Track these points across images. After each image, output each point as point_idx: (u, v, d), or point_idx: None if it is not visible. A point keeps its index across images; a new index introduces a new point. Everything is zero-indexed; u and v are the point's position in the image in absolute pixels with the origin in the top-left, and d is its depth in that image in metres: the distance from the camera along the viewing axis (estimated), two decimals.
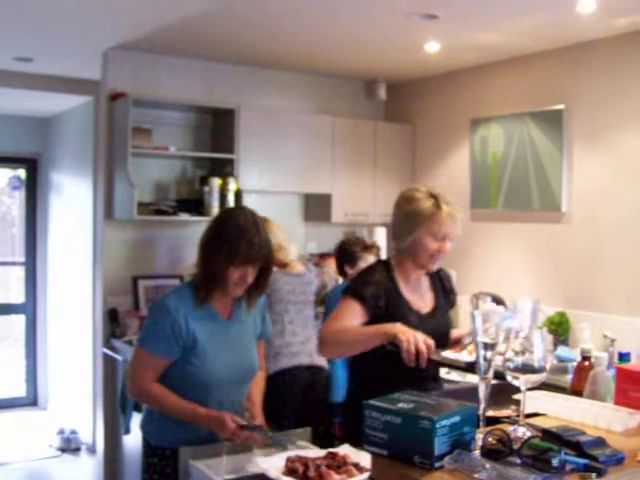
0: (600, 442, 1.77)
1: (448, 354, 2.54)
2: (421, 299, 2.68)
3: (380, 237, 5.20)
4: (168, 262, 4.91)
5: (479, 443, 1.75)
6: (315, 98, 5.53)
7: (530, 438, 1.72)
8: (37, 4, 3.77)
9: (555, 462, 1.62)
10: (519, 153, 4.70)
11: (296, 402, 3.82)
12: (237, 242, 2.28)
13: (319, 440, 2.18)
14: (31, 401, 7.15)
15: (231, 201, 4.72)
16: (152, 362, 2.30)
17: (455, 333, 2.79)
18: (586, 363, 2.50)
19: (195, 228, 4.60)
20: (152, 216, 4.69)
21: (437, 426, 1.67)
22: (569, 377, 3.22)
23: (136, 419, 4.16)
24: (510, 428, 1.87)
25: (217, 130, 5.07)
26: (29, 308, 7.15)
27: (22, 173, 7.13)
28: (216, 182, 4.72)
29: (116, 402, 4.61)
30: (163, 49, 4.73)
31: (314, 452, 1.93)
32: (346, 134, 5.34)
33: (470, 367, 2.19)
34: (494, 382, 1.95)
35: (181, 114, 4.99)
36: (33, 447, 5.96)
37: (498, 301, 4.14)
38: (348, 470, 1.78)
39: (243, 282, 2.33)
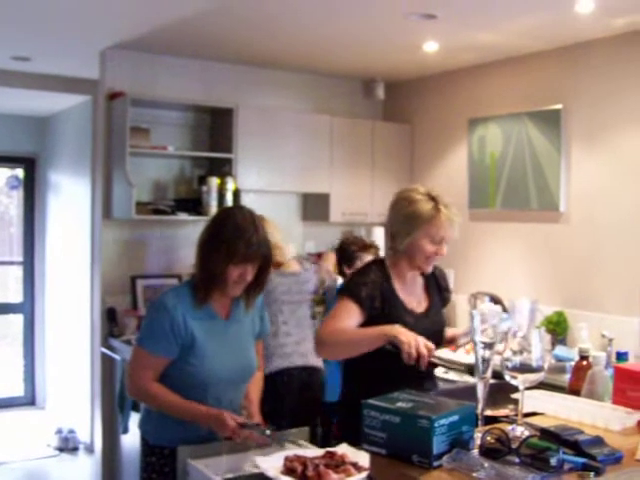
0: (598, 441, 1.77)
1: (446, 354, 2.54)
2: (415, 299, 2.68)
3: (378, 237, 5.19)
4: (166, 261, 4.91)
5: (477, 442, 1.75)
6: (313, 98, 5.53)
7: (528, 437, 1.72)
8: (35, 3, 3.77)
9: (553, 461, 1.62)
10: (517, 153, 4.71)
11: (292, 403, 3.81)
12: (236, 241, 2.28)
13: (321, 442, 2.19)
14: (29, 400, 7.15)
15: (229, 200, 4.72)
16: (151, 361, 2.31)
17: (450, 332, 2.80)
18: (584, 362, 2.50)
19: (193, 228, 4.60)
20: (150, 215, 4.69)
21: (435, 425, 1.67)
22: (567, 376, 3.22)
23: (134, 418, 4.16)
24: (508, 427, 1.88)
25: (215, 130, 5.07)
26: (27, 307, 7.15)
27: (20, 172, 7.13)
28: (214, 181, 4.72)
29: (114, 401, 4.61)
30: (161, 48, 4.73)
31: (312, 451, 1.93)
32: (344, 134, 5.34)
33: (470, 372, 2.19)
34: (492, 381, 1.95)
35: (179, 114, 4.99)
36: (31, 446, 5.96)
37: (496, 301, 4.15)
38: (346, 469, 1.79)
39: (242, 281, 2.34)
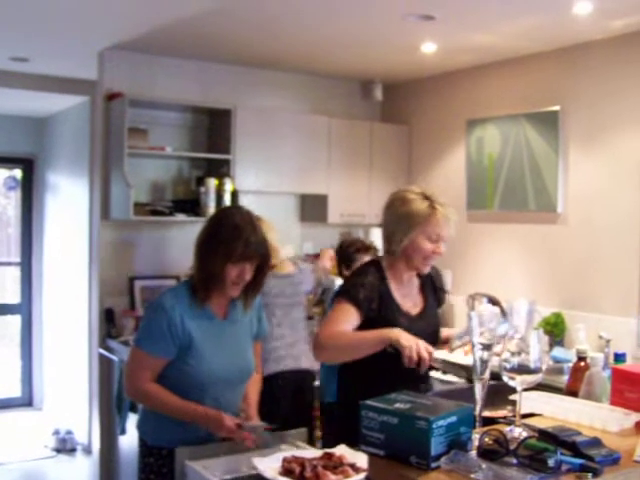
0: (596, 442, 1.77)
1: (444, 356, 2.54)
2: (411, 300, 2.67)
3: (376, 237, 5.19)
4: (164, 262, 4.91)
5: (475, 443, 1.75)
6: (311, 99, 5.53)
7: (526, 438, 1.72)
8: (33, 4, 3.77)
9: (551, 462, 1.62)
10: (515, 154, 4.71)
11: (285, 406, 3.80)
12: (234, 241, 2.29)
13: (323, 443, 2.19)
14: (26, 401, 7.14)
15: (227, 201, 4.71)
16: (149, 362, 2.31)
17: (445, 332, 2.80)
18: (582, 364, 2.51)
19: (191, 228, 4.59)
20: (148, 216, 4.68)
21: (434, 426, 1.67)
22: (565, 378, 3.22)
23: (132, 419, 4.16)
24: (506, 428, 1.88)
25: (213, 130, 5.07)
26: (25, 308, 7.14)
27: (18, 173, 7.12)
28: (212, 182, 4.71)
29: (112, 402, 4.61)
30: (159, 49, 4.73)
31: (310, 452, 1.94)
32: (342, 135, 5.34)
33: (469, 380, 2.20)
34: (490, 383, 1.95)
35: (177, 114, 4.99)
36: (28, 448, 5.95)
37: (494, 302, 4.13)
38: (344, 470, 1.79)
39: (241, 280, 2.34)
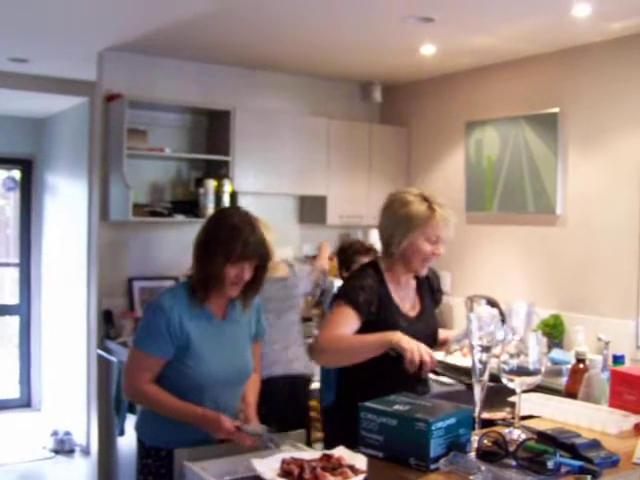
0: (595, 444, 1.78)
1: (442, 357, 2.54)
2: (409, 302, 2.67)
3: (375, 239, 5.18)
4: (163, 263, 4.91)
5: (474, 445, 1.76)
6: (310, 100, 5.53)
7: (525, 440, 1.73)
8: (33, 5, 3.77)
9: (550, 464, 1.62)
10: (514, 156, 4.72)
11: (277, 411, 3.77)
12: (232, 241, 2.29)
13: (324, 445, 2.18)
14: (25, 402, 7.13)
15: (226, 203, 4.72)
16: (147, 362, 2.30)
17: (443, 334, 2.79)
18: (581, 366, 2.51)
19: (190, 230, 4.55)
20: (147, 217, 4.68)
21: (433, 428, 1.67)
22: (563, 380, 3.22)
23: (130, 421, 4.15)
24: (505, 430, 1.88)
25: (212, 132, 5.07)
26: (23, 309, 7.13)
27: (17, 174, 7.11)
28: (211, 184, 4.71)
29: (110, 404, 4.61)
30: (159, 50, 4.73)
31: (309, 454, 1.93)
32: (341, 136, 5.35)
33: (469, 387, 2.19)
34: (489, 384, 1.95)
35: (176, 116, 4.99)
36: (27, 449, 5.94)
37: (493, 304, 4.13)
38: (343, 472, 1.79)
39: (240, 280, 2.34)
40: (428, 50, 4.55)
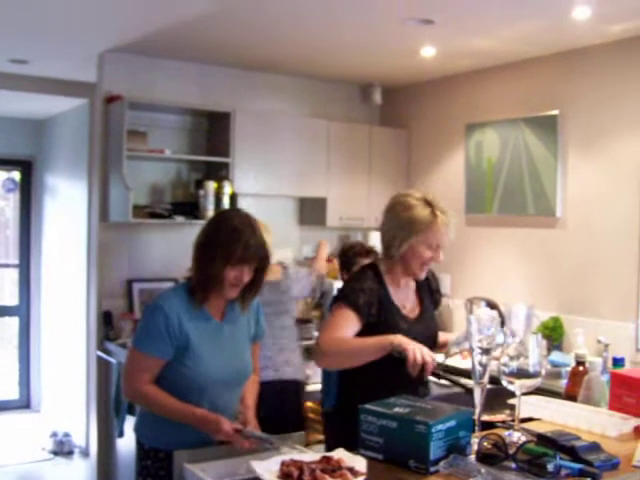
0: (595, 447, 1.77)
1: (440, 359, 2.54)
2: (409, 304, 2.68)
3: (375, 241, 5.20)
4: (163, 265, 4.90)
5: (474, 448, 1.75)
6: (310, 102, 5.54)
7: (525, 443, 1.72)
8: (33, 6, 3.77)
9: (550, 467, 1.62)
10: (514, 158, 4.72)
11: (266, 416, 3.75)
12: (233, 244, 2.29)
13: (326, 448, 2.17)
14: (24, 404, 7.12)
15: (226, 204, 4.71)
16: (146, 363, 2.30)
17: (442, 337, 2.79)
18: (580, 368, 2.51)
19: (190, 231, 4.56)
20: (147, 219, 4.68)
21: (433, 430, 1.67)
22: (563, 382, 3.23)
23: (130, 422, 4.15)
24: (505, 433, 1.88)
25: (212, 133, 5.07)
26: (23, 310, 7.13)
27: (16, 175, 7.11)
28: (211, 185, 4.71)
29: (110, 405, 4.60)
30: (159, 52, 4.73)
31: (309, 456, 1.93)
32: (341, 138, 5.35)
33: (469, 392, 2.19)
34: (489, 387, 1.95)
35: (176, 117, 4.99)
36: (26, 450, 5.94)
37: (492, 306, 4.13)
38: (343, 474, 1.79)
39: (239, 282, 2.34)
40: (428, 52, 4.55)
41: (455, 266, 5.00)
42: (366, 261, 4.05)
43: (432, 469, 1.67)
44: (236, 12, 3.84)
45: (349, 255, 4.14)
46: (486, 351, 1.89)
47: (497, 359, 1.90)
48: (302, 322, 4.86)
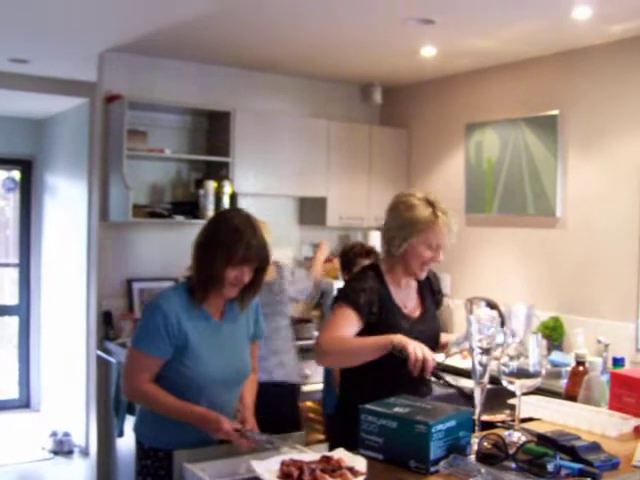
0: (595, 447, 1.77)
1: (440, 359, 2.54)
2: (411, 304, 2.68)
3: (375, 241, 5.20)
4: (163, 265, 4.90)
5: (474, 448, 1.75)
6: (311, 102, 5.53)
7: (525, 443, 1.72)
8: (33, 6, 3.77)
9: (550, 467, 1.62)
10: (514, 158, 4.72)
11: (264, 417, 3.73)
12: (234, 244, 2.28)
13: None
14: (24, 403, 7.12)
15: (226, 204, 4.71)
16: (146, 362, 2.30)
17: (444, 338, 2.80)
18: (580, 368, 2.51)
19: (190, 231, 4.55)
20: (147, 218, 4.68)
21: (433, 430, 1.67)
22: (563, 382, 3.23)
23: (129, 422, 4.15)
24: (505, 433, 1.88)
25: (212, 133, 5.07)
26: (23, 310, 7.13)
27: (16, 174, 7.11)
28: (211, 185, 4.71)
29: (109, 405, 4.60)
30: (159, 51, 4.73)
31: (309, 456, 1.93)
32: (341, 138, 5.34)
33: (469, 396, 2.19)
34: (489, 387, 1.95)
35: (177, 117, 4.99)
36: (26, 449, 5.94)
37: (492, 306, 4.13)
38: (343, 474, 1.78)
39: (239, 282, 2.34)
40: (428, 52, 4.55)
41: (455, 266, 5.00)
42: (366, 262, 4.05)
43: (432, 469, 1.67)
44: (236, 12, 3.84)
45: (349, 256, 4.14)
46: (486, 351, 1.89)
47: (497, 359, 1.90)
48: (302, 322, 4.86)
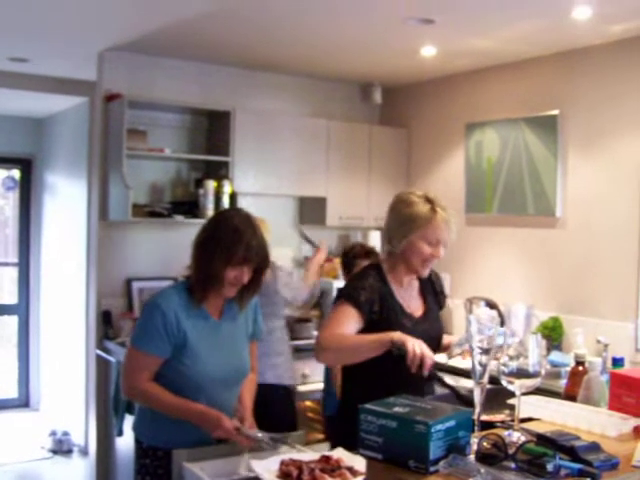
0: (594, 447, 1.77)
1: (442, 360, 2.54)
2: (413, 303, 2.68)
3: (375, 241, 5.20)
4: (162, 264, 4.90)
5: (474, 448, 1.75)
6: (310, 101, 5.53)
7: (525, 443, 1.72)
8: (33, 5, 3.77)
9: (550, 467, 1.62)
10: (514, 158, 4.72)
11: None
12: (234, 245, 2.28)
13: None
14: (23, 402, 7.12)
15: (226, 203, 4.71)
16: (145, 361, 2.30)
17: (446, 339, 2.80)
18: (580, 368, 2.51)
19: (190, 230, 4.53)
20: (146, 218, 4.68)
21: (432, 430, 1.67)
22: (563, 382, 3.23)
23: (129, 421, 4.15)
24: (505, 433, 1.88)
25: (212, 132, 5.07)
26: (22, 309, 7.13)
27: (16, 173, 7.11)
28: (211, 184, 4.71)
29: (109, 404, 4.60)
30: (159, 51, 4.73)
31: (308, 455, 1.93)
32: (341, 138, 5.34)
33: (465, 400, 2.19)
34: (489, 386, 1.95)
35: (176, 116, 4.98)
36: (25, 449, 5.94)
37: (492, 306, 4.13)
38: (342, 474, 1.79)
39: (238, 282, 2.34)
40: (428, 52, 4.55)
41: (455, 266, 5.00)
42: (365, 262, 4.04)
43: (432, 469, 1.67)
44: (236, 11, 3.84)
45: (349, 257, 4.14)
46: (486, 351, 1.88)
47: (497, 359, 1.90)
48: (301, 321, 4.86)
